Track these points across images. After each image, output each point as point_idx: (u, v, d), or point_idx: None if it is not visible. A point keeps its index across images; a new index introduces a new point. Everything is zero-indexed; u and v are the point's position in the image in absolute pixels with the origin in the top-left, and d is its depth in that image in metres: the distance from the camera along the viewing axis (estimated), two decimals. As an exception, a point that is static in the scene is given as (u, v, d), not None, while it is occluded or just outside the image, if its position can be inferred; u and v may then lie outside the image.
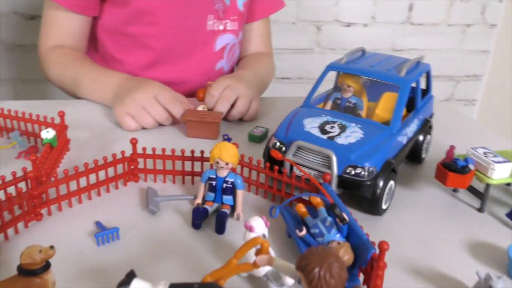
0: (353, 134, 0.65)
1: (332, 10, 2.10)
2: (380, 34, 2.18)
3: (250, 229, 0.49)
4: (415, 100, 0.76)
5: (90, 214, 0.62)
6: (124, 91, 0.89)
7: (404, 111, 0.76)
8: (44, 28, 1.08)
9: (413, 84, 0.72)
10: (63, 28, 1.06)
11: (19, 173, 0.60)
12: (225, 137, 0.64)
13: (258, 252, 0.41)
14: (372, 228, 0.62)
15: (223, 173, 0.62)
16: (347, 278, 0.35)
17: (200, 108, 0.89)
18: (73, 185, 0.64)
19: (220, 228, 0.59)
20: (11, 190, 0.58)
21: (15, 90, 1.82)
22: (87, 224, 0.60)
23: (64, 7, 1.02)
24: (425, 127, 0.78)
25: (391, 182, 0.65)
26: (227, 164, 0.61)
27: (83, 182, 0.65)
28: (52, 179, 0.61)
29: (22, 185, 0.60)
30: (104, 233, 0.57)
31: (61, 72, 1.05)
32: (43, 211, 0.61)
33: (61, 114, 0.75)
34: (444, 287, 0.53)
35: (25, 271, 0.39)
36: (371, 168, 0.61)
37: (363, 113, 0.77)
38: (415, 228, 0.64)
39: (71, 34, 1.07)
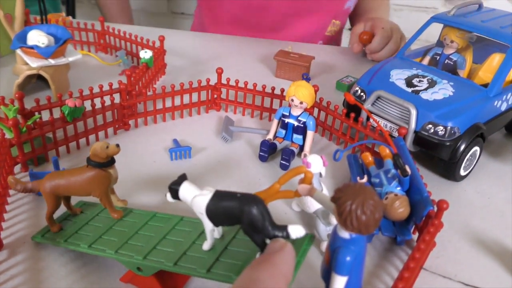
0: (441, 91, 0.60)
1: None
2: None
3: (307, 165, 0.49)
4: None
5: (171, 132, 0.67)
6: None
7: (511, 75, 0.68)
8: None
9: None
10: None
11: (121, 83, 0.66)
12: (305, 76, 0.63)
13: (300, 181, 0.41)
14: (444, 191, 0.59)
15: (297, 112, 0.62)
16: (381, 218, 0.34)
17: (288, 49, 0.88)
18: (160, 104, 0.69)
19: (284, 164, 0.60)
20: (107, 99, 0.65)
21: (137, 21, 1.96)
22: (166, 140, 0.65)
23: None
24: (536, 98, 0.69)
25: (476, 148, 0.60)
26: (301, 103, 0.60)
27: (169, 103, 0.70)
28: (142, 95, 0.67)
29: (117, 96, 0.66)
30: (177, 150, 0.61)
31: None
32: (131, 122, 0.67)
33: (161, 39, 0.80)
34: (507, 263, 0.49)
35: (91, 163, 0.44)
36: (453, 129, 0.57)
37: (463, 72, 0.70)
38: (492, 200, 0.58)
39: None
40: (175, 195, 0.39)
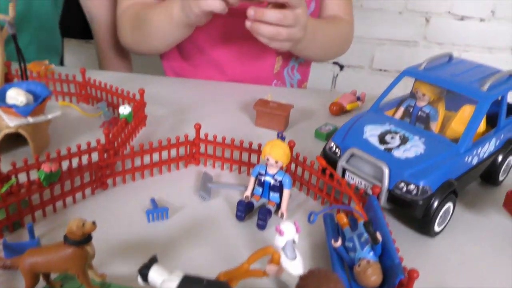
0: (413, 149, 0.61)
1: (445, 1, 1.94)
2: (498, 31, 1.98)
3: (280, 232, 0.50)
4: (499, 116, 0.69)
5: (149, 190, 0.67)
6: None
7: (483, 127, 0.70)
8: None
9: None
10: None
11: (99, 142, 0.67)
12: (279, 135, 0.64)
13: (269, 262, 0.41)
14: (419, 249, 0.60)
15: (273, 170, 0.63)
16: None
17: (267, 97, 0.89)
18: (138, 161, 0.69)
19: (261, 224, 0.61)
20: (85, 157, 0.65)
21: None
22: (144, 199, 0.65)
23: None
24: (508, 147, 0.71)
25: (449, 204, 0.61)
26: (276, 162, 0.61)
27: (147, 159, 0.70)
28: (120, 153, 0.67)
29: (95, 154, 0.66)
30: (154, 211, 0.61)
31: (132, 24, 1.04)
32: (109, 181, 0.67)
33: (141, 92, 0.81)
34: (481, 328, 0.49)
35: (68, 240, 0.45)
36: (425, 188, 0.58)
37: (436, 124, 0.72)
38: (468, 257, 0.59)
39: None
40: (144, 278, 0.39)
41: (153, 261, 0.40)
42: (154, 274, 0.39)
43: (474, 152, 0.64)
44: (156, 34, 1.01)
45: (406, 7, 1.95)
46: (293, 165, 0.69)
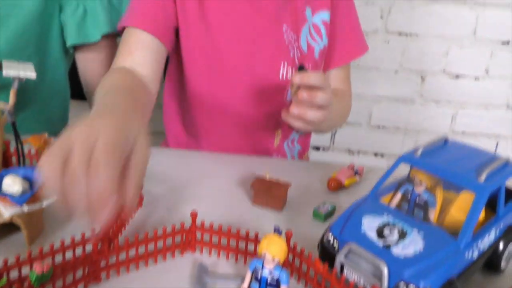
0: (411, 245, 0.61)
1: (440, 60, 1.99)
2: (493, 89, 2.02)
3: None
4: (497, 204, 0.69)
5: (144, 282, 0.66)
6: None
7: (482, 214, 0.69)
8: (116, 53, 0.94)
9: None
10: (134, 49, 0.90)
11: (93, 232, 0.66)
12: (276, 229, 0.63)
13: None
14: None
15: (269, 265, 0.62)
16: None
17: (265, 175, 0.89)
18: (132, 251, 0.68)
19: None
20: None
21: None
22: (138, 293, 0.64)
23: (136, 27, 0.91)
24: (508, 235, 0.70)
25: (450, 304, 0.59)
26: (273, 259, 0.60)
27: (142, 249, 0.69)
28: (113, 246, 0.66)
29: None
30: (148, 310, 0.59)
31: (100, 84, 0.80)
32: (103, 274, 0.66)
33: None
34: None
35: None
36: (426, 288, 0.57)
37: (434, 211, 0.71)
38: None
39: (142, 58, 0.90)
40: None
41: None
42: None
43: (475, 246, 0.63)
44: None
45: (401, 65, 1.99)
46: (290, 256, 0.68)
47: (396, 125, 2.04)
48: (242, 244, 0.72)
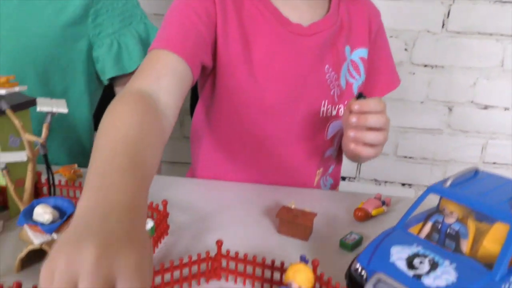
0: (444, 276, 0.58)
1: (467, 91, 1.97)
2: (523, 120, 1.97)
3: None
4: (533, 236, 0.66)
5: (168, 311, 0.65)
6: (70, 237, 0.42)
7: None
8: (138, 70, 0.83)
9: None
10: (162, 75, 0.80)
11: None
12: (302, 257, 0.63)
13: None
14: None
15: (296, 295, 0.61)
16: None
17: (291, 204, 0.89)
18: (158, 279, 0.68)
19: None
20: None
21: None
22: (163, 322, 0.63)
23: (165, 49, 0.84)
24: (546, 268, 0.67)
25: None
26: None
27: (168, 276, 0.69)
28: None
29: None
30: None
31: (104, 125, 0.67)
32: (128, 301, 0.66)
33: (164, 203, 0.81)
34: None
35: None
36: (459, 323, 0.54)
37: (467, 242, 0.69)
38: None
39: (169, 85, 0.80)
40: None
41: None
42: None
43: (511, 279, 0.61)
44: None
45: (427, 97, 1.98)
46: (317, 286, 0.67)
47: (424, 156, 2.01)
48: (267, 273, 0.71)
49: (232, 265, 0.72)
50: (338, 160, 1.19)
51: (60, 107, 0.78)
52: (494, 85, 1.91)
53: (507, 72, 1.89)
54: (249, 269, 0.71)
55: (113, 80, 1.25)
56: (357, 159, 1.05)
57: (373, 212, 0.93)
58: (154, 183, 0.95)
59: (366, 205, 0.93)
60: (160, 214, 0.81)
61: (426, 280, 0.58)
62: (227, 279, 0.72)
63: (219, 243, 0.71)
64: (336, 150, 1.16)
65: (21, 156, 0.76)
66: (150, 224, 0.75)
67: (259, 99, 1.03)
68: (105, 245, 0.39)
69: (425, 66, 1.91)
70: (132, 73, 1.15)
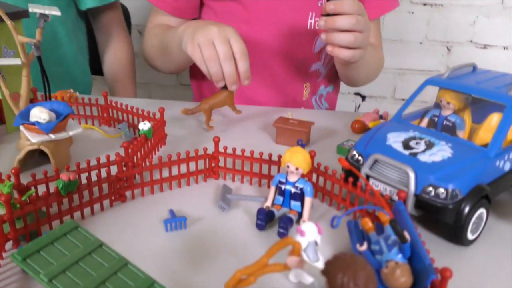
0: (439, 153, 0.59)
1: (467, 30, 1.94)
2: (522, 58, 1.95)
3: (301, 233, 0.47)
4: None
5: (168, 203, 0.66)
6: (199, 25, 0.85)
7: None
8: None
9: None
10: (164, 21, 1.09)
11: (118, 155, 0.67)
12: (299, 142, 0.63)
13: (289, 253, 0.39)
14: (452, 259, 0.56)
15: (293, 178, 0.61)
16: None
17: (288, 115, 0.89)
18: (157, 175, 0.69)
19: (281, 233, 0.58)
20: (104, 172, 0.65)
21: (149, 94, 2.03)
22: (162, 211, 0.64)
23: (160, 9, 1.06)
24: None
25: (481, 210, 0.57)
26: (297, 169, 0.60)
27: (166, 173, 0.69)
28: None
29: (114, 168, 0.66)
30: (172, 221, 0.60)
31: (153, 41, 1.08)
32: (128, 193, 0.67)
33: (161, 110, 0.81)
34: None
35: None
36: (455, 191, 0.55)
37: (463, 134, 0.69)
38: (506, 264, 0.55)
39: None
40: None
41: None
42: None
43: (506, 157, 0.61)
44: (168, 54, 1.01)
45: (426, 37, 1.95)
46: (314, 176, 0.67)
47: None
48: (265, 169, 0.71)
49: (229, 164, 0.73)
50: (329, 80, 1.17)
51: (52, 10, 0.77)
52: (494, 23, 1.88)
53: (507, 10, 1.86)
54: (247, 167, 0.72)
55: (93, 14, 1.28)
56: (343, 68, 1.03)
57: (370, 124, 0.92)
58: (155, 105, 0.94)
59: (364, 118, 0.93)
60: (158, 121, 0.81)
61: (422, 157, 0.59)
62: (225, 178, 0.73)
63: (216, 140, 0.71)
64: (324, 66, 1.13)
65: (15, 60, 0.75)
66: (147, 125, 0.75)
67: (241, 8, 1.02)
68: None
69: (424, 4, 1.87)
70: (110, 5, 1.18)
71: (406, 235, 0.46)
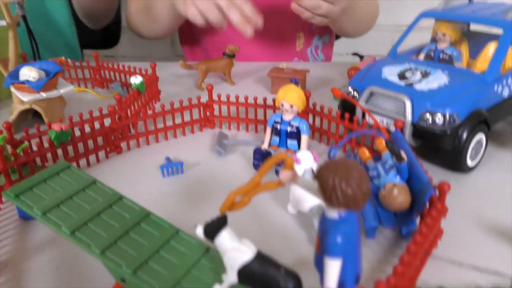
0: (436, 80, 0.58)
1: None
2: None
3: (297, 161, 0.47)
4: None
5: (164, 152, 0.65)
6: None
7: (511, 62, 0.65)
8: None
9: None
10: None
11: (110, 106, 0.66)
12: (293, 80, 0.61)
13: (283, 168, 0.38)
14: (454, 183, 0.55)
15: (288, 117, 0.60)
16: (369, 191, 0.31)
17: (282, 65, 0.87)
18: (152, 127, 0.68)
19: (279, 170, 0.58)
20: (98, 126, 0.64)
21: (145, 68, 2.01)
22: (158, 160, 0.63)
23: None
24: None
25: (480, 136, 0.56)
26: (291, 106, 0.59)
27: (161, 124, 0.68)
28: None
29: (108, 122, 0.65)
30: (169, 165, 0.59)
31: (136, 6, 1.04)
32: (123, 145, 0.66)
33: (153, 66, 0.80)
34: (529, 251, 0.44)
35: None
36: (452, 116, 0.54)
37: (460, 65, 0.68)
38: (506, 188, 0.54)
39: None
40: (209, 235, 0.37)
41: (224, 222, 0.37)
42: (226, 237, 0.36)
43: (504, 83, 0.60)
44: (153, 16, 0.99)
45: (423, -8, 1.90)
46: (310, 117, 0.66)
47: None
48: (260, 116, 0.70)
49: (225, 113, 0.72)
50: (324, 30, 1.14)
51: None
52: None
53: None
54: (242, 114, 0.71)
55: None
56: (331, 23, 1.01)
57: (367, 71, 0.91)
58: (145, 67, 0.91)
59: (360, 65, 0.92)
60: (150, 76, 0.80)
61: (418, 86, 0.57)
62: (220, 126, 0.72)
63: (210, 87, 0.70)
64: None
65: (0, 22, 0.73)
66: (139, 78, 0.73)
67: None
68: None
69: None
70: None
71: (403, 154, 0.45)
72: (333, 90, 0.59)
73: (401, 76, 0.60)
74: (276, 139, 0.61)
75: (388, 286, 0.31)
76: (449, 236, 0.45)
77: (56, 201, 0.42)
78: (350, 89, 0.64)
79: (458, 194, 0.53)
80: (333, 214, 0.32)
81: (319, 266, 0.34)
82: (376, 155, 0.55)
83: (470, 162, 0.57)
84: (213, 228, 0.37)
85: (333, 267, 0.32)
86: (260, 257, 0.35)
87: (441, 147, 0.55)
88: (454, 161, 0.56)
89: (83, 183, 0.45)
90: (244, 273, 0.35)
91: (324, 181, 0.31)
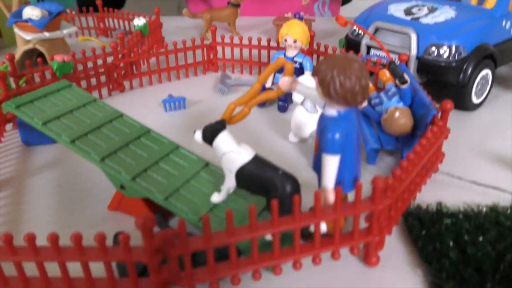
0: (442, 15, 0.57)
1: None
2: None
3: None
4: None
5: (166, 91, 0.65)
6: None
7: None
8: None
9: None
10: None
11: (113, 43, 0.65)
12: (297, 15, 0.61)
13: (282, 75, 0.38)
14: (459, 121, 0.55)
15: (292, 53, 0.59)
16: (368, 85, 0.31)
17: (288, 15, 0.86)
18: (155, 66, 0.68)
19: (282, 106, 0.57)
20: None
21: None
22: (161, 98, 0.63)
23: None
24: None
25: (486, 71, 0.55)
26: (295, 41, 0.58)
27: (164, 65, 0.68)
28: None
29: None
30: (171, 100, 0.59)
31: None
32: (126, 84, 0.66)
33: (156, 11, 0.79)
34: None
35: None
36: (458, 48, 0.53)
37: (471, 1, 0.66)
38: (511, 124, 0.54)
39: None
40: (207, 138, 0.36)
41: (222, 125, 0.37)
42: (222, 140, 0.36)
43: (512, 19, 0.58)
44: None
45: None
46: (314, 57, 0.66)
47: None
48: (264, 58, 0.69)
49: (228, 55, 0.71)
50: None
51: None
52: None
53: None
54: (246, 55, 0.70)
55: None
56: None
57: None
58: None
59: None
60: (153, 21, 0.79)
61: (424, 20, 0.56)
62: (224, 70, 0.72)
63: (213, 28, 0.69)
64: None
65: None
66: (142, 20, 0.73)
67: None
68: None
69: None
70: None
71: (406, 76, 0.45)
72: (337, 18, 0.58)
73: (408, 12, 0.59)
74: (279, 76, 0.61)
75: (385, 183, 0.31)
76: (451, 161, 0.45)
77: (56, 114, 0.42)
78: (355, 27, 0.63)
79: (462, 130, 0.53)
80: (332, 111, 0.32)
81: (317, 167, 0.34)
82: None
83: (475, 99, 0.56)
84: (212, 131, 0.36)
85: (331, 163, 0.32)
86: (259, 160, 0.35)
87: (446, 81, 0.54)
88: (460, 97, 0.55)
89: (83, 100, 0.45)
90: (242, 175, 0.35)
91: (323, 73, 0.31)
